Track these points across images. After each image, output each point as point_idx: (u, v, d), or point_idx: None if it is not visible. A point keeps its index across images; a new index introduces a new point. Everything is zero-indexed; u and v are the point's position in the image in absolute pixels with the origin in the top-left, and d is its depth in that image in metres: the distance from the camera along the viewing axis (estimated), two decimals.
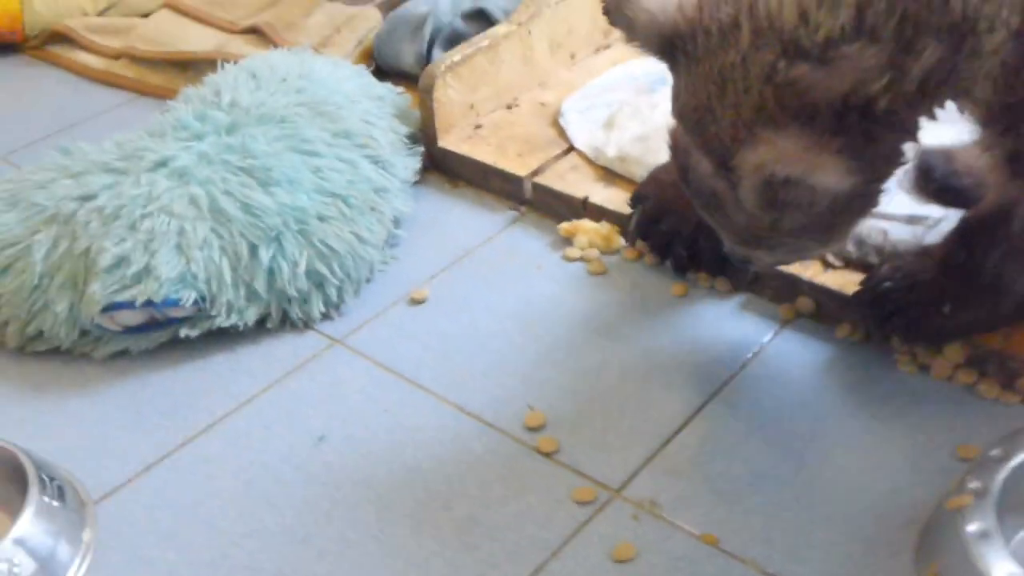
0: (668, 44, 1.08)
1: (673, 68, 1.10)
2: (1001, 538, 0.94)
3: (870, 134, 1.01)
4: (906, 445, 1.13)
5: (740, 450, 1.14)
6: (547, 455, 1.16)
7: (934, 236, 1.31)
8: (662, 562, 1.04)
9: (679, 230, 1.36)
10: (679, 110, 1.10)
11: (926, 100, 1.03)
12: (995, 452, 1.02)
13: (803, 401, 1.20)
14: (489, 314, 1.36)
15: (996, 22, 0.98)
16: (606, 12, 1.15)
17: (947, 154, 1.39)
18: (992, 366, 1.20)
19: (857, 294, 1.23)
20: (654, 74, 1.75)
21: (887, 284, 1.21)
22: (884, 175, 1.08)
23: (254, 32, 1.94)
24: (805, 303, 1.30)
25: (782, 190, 0.98)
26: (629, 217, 1.44)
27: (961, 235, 1.21)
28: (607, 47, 1.89)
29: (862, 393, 1.20)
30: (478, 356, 1.29)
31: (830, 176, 0.98)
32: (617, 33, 1.88)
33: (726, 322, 1.32)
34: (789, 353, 1.26)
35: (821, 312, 1.30)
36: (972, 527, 0.95)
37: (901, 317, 1.19)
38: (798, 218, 1.03)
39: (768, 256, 1.15)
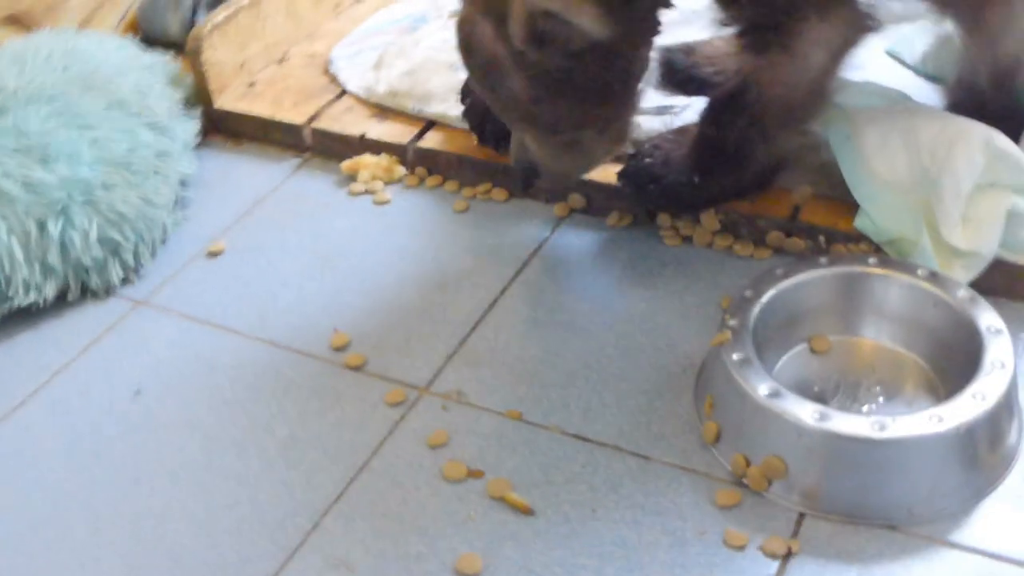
0: None
1: None
2: (759, 362, 1.07)
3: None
4: (678, 306, 1.26)
5: (532, 334, 1.25)
6: (356, 368, 1.23)
7: (680, 123, 1.43)
8: (473, 441, 1.13)
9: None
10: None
11: None
12: (747, 293, 1.15)
13: (584, 284, 1.31)
14: (285, 255, 1.42)
15: None
16: None
17: (687, 48, 1.52)
18: (744, 228, 1.34)
19: (622, 170, 1.35)
20: (415, 14, 1.83)
21: (647, 160, 1.33)
22: (642, 40, 1.19)
23: (14, 23, 1.91)
24: (576, 199, 1.41)
25: (542, 20, 1.07)
26: (406, 148, 1.52)
27: (709, 112, 1.34)
28: None
29: (635, 269, 1.32)
30: (280, 294, 1.35)
31: (585, 17, 1.08)
32: None
33: (507, 227, 1.41)
34: (567, 245, 1.37)
35: (592, 205, 1.41)
36: (734, 356, 1.07)
37: (657, 188, 1.31)
38: (559, 59, 1.12)
39: (551, 146, 1.23)
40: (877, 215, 1.26)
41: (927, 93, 1.45)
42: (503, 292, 1.31)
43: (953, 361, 1.11)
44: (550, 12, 1.06)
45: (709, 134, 1.32)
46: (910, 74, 1.51)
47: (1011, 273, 1.22)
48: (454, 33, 1.22)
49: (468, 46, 1.18)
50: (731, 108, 1.30)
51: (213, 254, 1.44)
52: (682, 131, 1.37)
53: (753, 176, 1.34)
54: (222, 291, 1.37)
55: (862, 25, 1.23)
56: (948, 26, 1.34)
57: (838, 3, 1.21)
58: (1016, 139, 1.25)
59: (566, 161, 1.27)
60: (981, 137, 1.22)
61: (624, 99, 1.24)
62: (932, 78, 1.48)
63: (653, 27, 1.20)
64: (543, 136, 1.23)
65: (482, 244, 1.39)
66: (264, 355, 1.27)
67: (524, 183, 1.35)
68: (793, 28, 1.19)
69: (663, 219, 1.36)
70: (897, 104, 1.36)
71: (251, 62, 1.72)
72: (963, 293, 1.13)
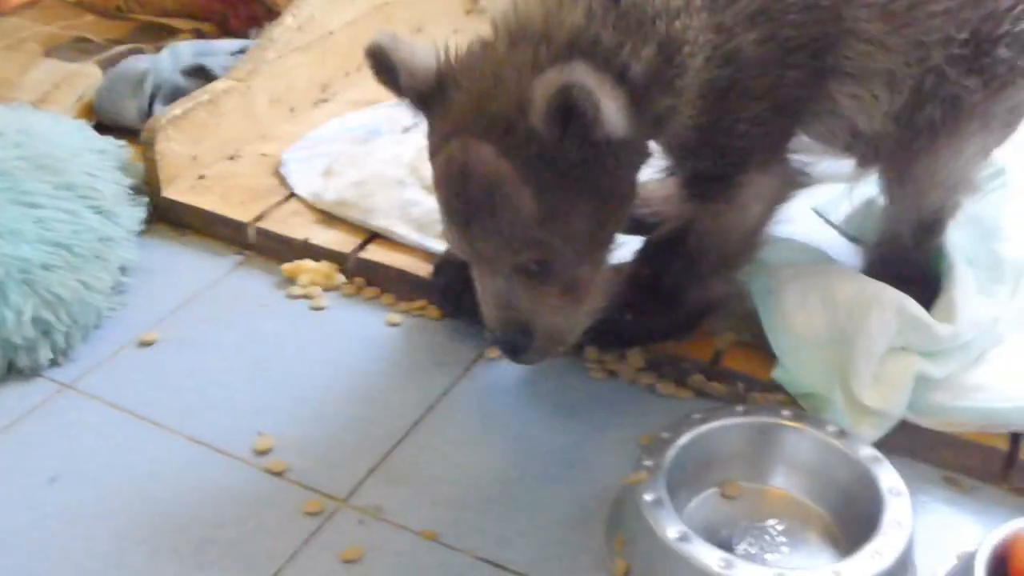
0: (428, 95, 1.17)
1: (431, 113, 1.19)
2: (671, 505, 1.10)
3: (633, 102, 1.12)
4: (598, 439, 1.29)
5: (454, 455, 1.27)
6: (277, 474, 1.24)
7: (615, 260, 1.48)
8: (387, 559, 1.14)
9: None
10: (442, 136, 1.15)
11: (655, 102, 1.16)
12: (665, 435, 1.19)
13: (509, 410, 1.34)
14: (218, 352, 1.43)
15: (696, 47, 1.15)
16: (371, 63, 1.20)
17: None
18: (668, 368, 1.39)
19: None
20: (370, 126, 1.88)
21: None
22: (638, 157, 1.22)
23: None
24: None
25: (575, 91, 1.03)
26: (347, 257, 1.55)
27: (645, 253, 1.40)
28: (325, 101, 2.00)
29: (560, 399, 1.36)
30: (208, 391, 1.36)
31: (612, 104, 1.07)
32: (335, 87, 2.02)
33: (438, 346, 1.44)
34: (495, 370, 1.41)
35: None
36: (647, 497, 1.11)
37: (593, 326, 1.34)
38: (576, 148, 1.08)
39: (549, 295, 1.18)
40: (794, 368, 1.31)
41: (849, 252, 1.53)
42: (429, 410, 1.33)
43: (856, 516, 1.15)
44: (585, 88, 1.04)
45: (643, 274, 1.37)
46: (834, 233, 1.59)
47: (915, 434, 1.27)
48: (437, 168, 1.17)
49: (463, 176, 1.12)
50: (669, 251, 1.35)
51: (145, 344, 1.45)
52: (616, 269, 1.42)
53: (683, 318, 1.39)
54: (150, 382, 1.38)
55: (795, 181, 1.32)
56: (875, 184, 1.42)
57: (777, 160, 1.29)
58: (928, 306, 1.32)
59: (561, 314, 1.21)
60: (895, 302, 1.28)
61: (619, 222, 1.23)
62: (854, 239, 1.56)
63: (645, 150, 1.24)
64: (541, 278, 1.18)
65: (412, 361, 1.42)
66: (186, 452, 1.27)
67: (511, 352, 1.23)
68: (737, 180, 1.27)
69: (590, 353, 1.40)
70: (818, 263, 1.42)
71: (203, 156, 1.75)
72: (868, 452, 1.18)
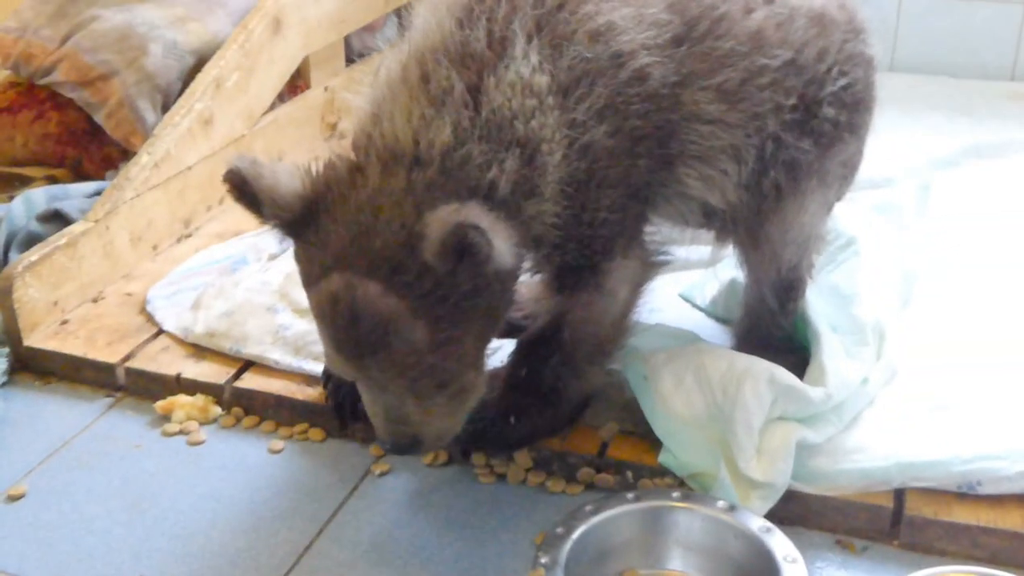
0: (297, 221, 1.15)
1: (300, 239, 1.16)
2: None
3: (513, 227, 1.13)
4: (493, 544, 1.28)
5: None
6: None
7: (494, 364, 1.49)
8: None
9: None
10: (320, 267, 1.13)
11: (525, 210, 1.18)
12: (559, 530, 1.18)
13: (400, 524, 1.31)
14: (92, 498, 1.37)
15: (553, 144, 1.18)
16: (231, 190, 1.16)
17: None
18: (556, 465, 1.38)
19: None
20: (235, 256, 1.87)
21: None
22: (516, 278, 1.24)
23: None
24: None
25: (471, 233, 1.04)
26: (223, 388, 1.52)
27: (520, 354, 1.40)
28: (188, 236, 1.98)
29: (451, 508, 1.34)
30: (84, 540, 1.30)
31: (504, 241, 1.08)
32: (197, 222, 2.01)
33: (324, 468, 1.42)
34: (384, 485, 1.38)
35: None
36: None
37: (475, 431, 1.32)
38: (471, 278, 1.10)
39: (438, 404, 1.19)
40: (678, 451, 1.32)
41: (718, 333, 1.57)
42: (319, 534, 1.30)
43: None
44: (479, 226, 1.05)
45: (521, 375, 1.38)
46: (701, 316, 1.63)
47: (804, 503, 1.29)
48: (318, 301, 1.14)
49: (352, 315, 1.11)
50: (544, 348, 1.36)
51: (13, 498, 1.38)
52: (493, 375, 1.41)
53: (565, 413, 1.40)
54: (20, 537, 1.31)
55: (656, 261, 1.36)
56: (733, 258, 1.46)
57: (637, 244, 1.32)
58: (799, 374, 1.35)
59: (448, 418, 1.23)
60: (766, 373, 1.32)
61: (499, 329, 1.25)
62: (721, 319, 1.60)
63: (522, 262, 1.25)
64: (432, 393, 1.18)
65: (298, 485, 1.38)
66: None
67: (400, 455, 1.31)
68: (604, 267, 1.29)
69: (478, 458, 1.39)
70: (689, 344, 1.45)
71: (64, 301, 1.71)
72: (760, 524, 1.19)
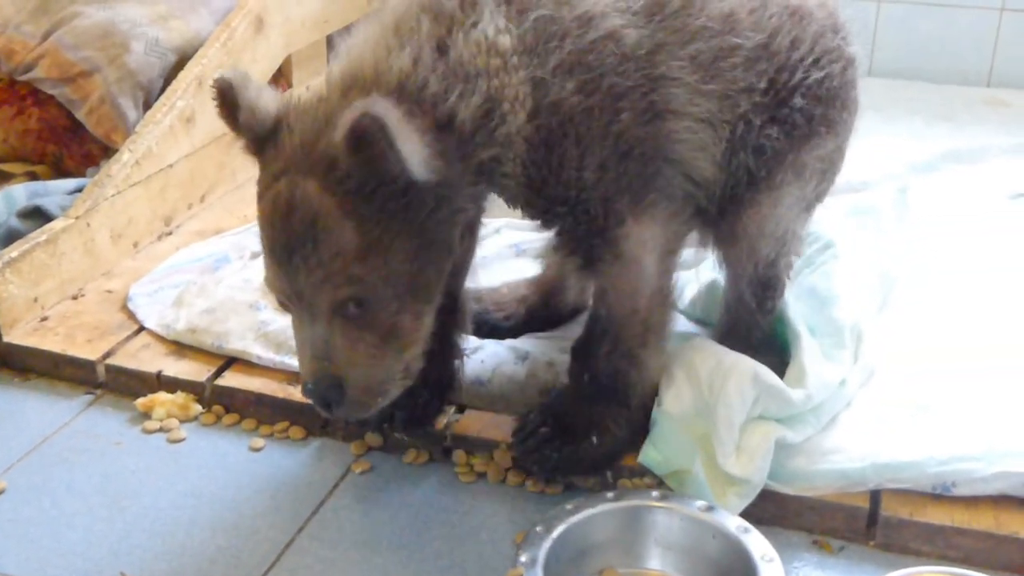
0: (263, 138, 1.19)
1: (262, 156, 1.20)
2: None
3: (449, 150, 1.17)
4: (473, 542, 1.28)
5: (329, 574, 1.24)
6: None
7: (474, 363, 1.50)
8: None
9: None
10: (271, 176, 1.17)
11: (479, 150, 1.20)
12: (539, 528, 1.19)
13: (381, 522, 1.32)
14: (71, 495, 1.37)
15: (515, 103, 1.20)
16: (217, 94, 1.21)
17: (477, 295, 1.60)
18: None
19: (520, 451, 1.35)
20: (217, 254, 1.87)
21: (542, 430, 1.34)
22: (461, 209, 1.23)
23: None
24: (373, 437, 1.44)
25: (367, 122, 1.07)
26: (203, 386, 1.52)
27: (575, 360, 1.38)
28: (169, 234, 1.98)
29: (432, 506, 1.34)
30: (63, 536, 1.30)
31: (411, 142, 1.10)
32: (179, 220, 2.01)
33: (304, 466, 1.42)
34: (365, 484, 1.39)
35: (387, 443, 1.44)
36: None
37: (561, 457, 1.32)
38: (376, 173, 1.11)
39: (365, 343, 1.17)
40: (662, 445, 1.33)
41: (698, 334, 1.58)
42: (299, 532, 1.30)
43: None
44: (377, 119, 1.07)
45: (584, 380, 1.36)
46: (682, 318, 1.64)
47: (781, 503, 1.30)
48: (263, 207, 1.18)
49: (288, 211, 1.14)
50: (593, 342, 1.35)
51: None
52: (557, 395, 1.40)
53: (638, 413, 1.36)
54: (0, 533, 1.31)
55: (671, 223, 1.32)
56: (713, 260, 1.47)
57: (649, 205, 1.29)
58: (781, 375, 1.37)
59: (376, 364, 1.20)
60: (751, 371, 1.32)
61: (440, 274, 1.23)
62: (700, 320, 1.61)
63: (466, 201, 1.24)
64: (358, 323, 1.17)
65: (278, 484, 1.39)
66: None
67: (324, 406, 1.22)
68: (617, 234, 1.27)
69: (459, 456, 1.40)
70: (680, 342, 1.45)
71: (44, 298, 1.71)
72: (738, 523, 1.20)
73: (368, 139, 1.09)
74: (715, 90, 1.28)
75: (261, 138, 1.20)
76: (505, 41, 1.20)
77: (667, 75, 1.26)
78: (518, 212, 1.33)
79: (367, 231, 1.14)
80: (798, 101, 1.33)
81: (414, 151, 1.11)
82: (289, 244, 1.15)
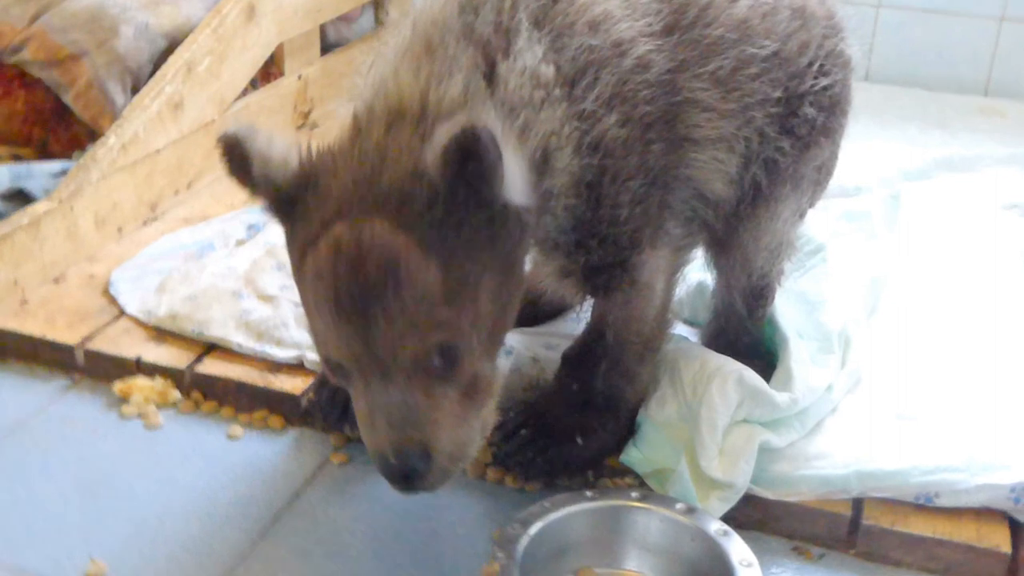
0: (289, 192, 1.07)
1: (294, 210, 1.08)
2: None
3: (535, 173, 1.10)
4: (450, 538, 1.27)
5: (302, 567, 1.22)
6: None
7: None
8: None
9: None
10: (319, 226, 1.04)
11: (540, 182, 1.13)
12: (516, 526, 1.17)
13: (358, 515, 1.30)
14: (45, 480, 1.35)
15: (562, 138, 1.14)
16: (225, 158, 1.09)
17: None
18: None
19: (498, 452, 1.33)
20: (203, 241, 1.85)
21: (522, 432, 1.32)
22: (529, 238, 1.14)
23: None
24: (352, 429, 1.42)
25: (481, 132, 0.97)
26: (183, 373, 1.51)
27: (566, 368, 1.36)
28: (155, 220, 1.96)
29: (408, 501, 1.31)
30: (35, 520, 1.28)
31: (514, 163, 1.02)
32: (164, 206, 1.99)
33: (282, 456, 1.40)
34: (343, 475, 1.37)
35: None
36: None
37: (544, 460, 1.30)
38: (477, 198, 1.02)
39: (450, 398, 1.06)
40: (644, 447, 1.32)
41: (683, 335, 1.56)
42: (275, 522, 1.29)
43: None
44: (490, 132, 0.98)
45: (573, 390, 1.34)
46: None
47: (763, 508, 1.29)
48: (314, 262, 1.04)
49: (355, 259, 1.01)
50: (590, 358, 1.33)
51: None
52: (541, 395, 1.38)
53: (626, 420, 1.35)
54: None
55: (682, 249, 1.33)
56: (703, 268, 1.46)
57: (664, 232, 1.27)
58: (768, 379, 1.35)
59: (462, 424, 1.08)
60: (735, 374, 1.31)
61: (514, 314, 1.14)
62: (686, 321, 1.60)
63: (529, 236, 1.15)
64: (444, 378, 1.06)
65: (255, 473, 1.37)
66: None
67: (405, 479, 1.07)
68: (635, 261, 1.25)
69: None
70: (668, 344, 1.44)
71: (25, 280, 1.69)
72: (717, 527, 1.19)
73: (476, 153, 0.98)
74: (733, 108, 1.26)
75: (284, 191, 1.08)
76: (548, 72, 1.13)
77: (689, 99, 1.23)
78: None
79: (453, 269, 1.02)
80: (807, 111, 1.31)
81: (516, 170, 1.03)
82: (362, 295, 1.01)
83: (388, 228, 1.01)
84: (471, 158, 0.99)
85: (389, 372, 1.04)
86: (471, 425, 1.09)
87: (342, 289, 1.02)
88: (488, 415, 1.13)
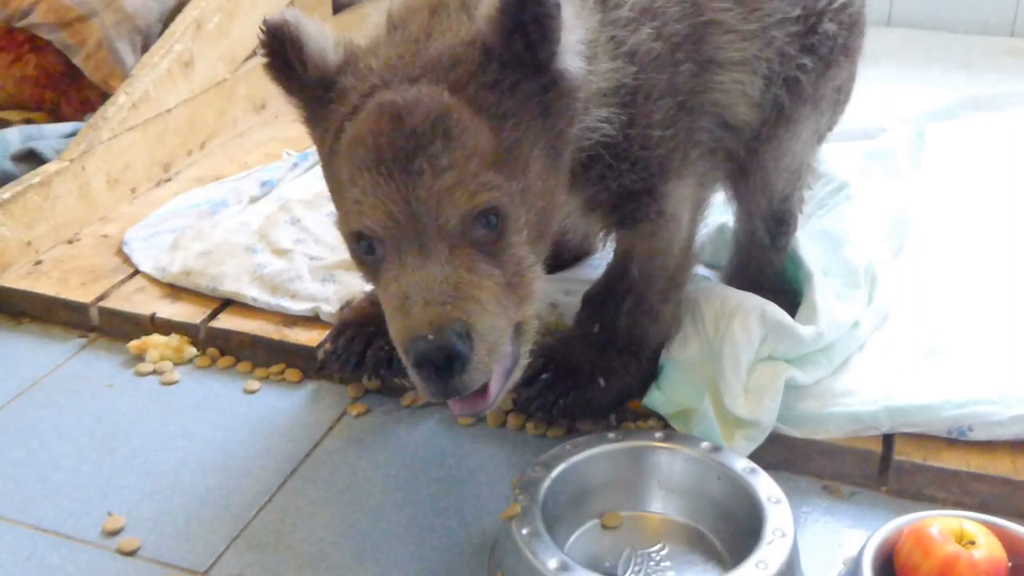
0: (334, 71, 1.05)
1: (331, 92, 1.04)
2: (548, 536, 1.05)
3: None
4: (470, 485, 1.24)
5: (321, 516, 1.20)
6: (129, 554, 1.15)
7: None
8: None
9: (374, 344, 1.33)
10: (359, 98, 1.02)
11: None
12: (538, 468, 1.14)
13: (376, 464, 1.28)
14: (61, 436, 1.34)
15: (597, 46, 1.11)
16: (270, 39, 1.06)
17: None
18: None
19: (522, 397, 1.29)
20: (216, 199, 1.83)
21: (542, 377, 1.28)
22: (574, 149, 1.12)
23: None
24: (370, 381, 1.40)
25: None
26: (198, 328, 1.49)
27: (588, 310, 1.33)
28: (168, 180, 1.94)
29: (429, 449, 1.30)
30: (52, 477, 1.27)
31: (573, 30, 1.01)
32: (177, 166, 1.96)
33: (299, 408, 1.38)
34: (360, 424, 1.35)
35: (385, 385, 1.40)
36: (524, 530, 1.06)
37: (566, 403, 1.27)
38: (532, 52, 1.00)
39: (487, 280, 1.00)
40: (671, 390, 1.28)
41: (708, 278, 1.53)
42: (292, 474, 1.27)
43: (738, 530, 1.13)
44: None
45: (594, 332, 1.31)
46: None
47: (790, 446, 1.26)
48: (357, 128, 1.00)
49: (404, 112, 0.97)
50: (613, 296, 1.30)
51: None
52: (564, 339, 1.34)
53: (649, 362, 1.32)
54: None
55: (705, 184, 1.30)
56: (722, 203, 1.43)
57: (691, 162, 1.25)
58: (791, 315, 1.31)
59: (501, 314, 1.00)
60: (757, 309, 1.28)
61: (557, 216, 1.13)
62: (708, 264, 1.56)
63: (576, 127, 1.12)
64: (489, 256, 1.00)
65: (272, 426, 1.35)
66: (28, 541, 1.18)
67: (445, 367, 0.96)
68: (662, 190, 1.22)
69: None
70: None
71: (39, 241, 1.67)
72: (744, 464, 1.15)
73: (535, 7, 0.96)
74: (755, 29, 1.23)
75: (331, 73, 1.05)
76: None
77: (713, 20, 1.20)
78: None
79: (505, 132, 0.99)
80: (828, 27, 1.28)
81: (575, 42, 1.01)
82: (408, 147, 0.96)
83: (436, 90, 0.98)
84: (530, 12, 0.97)
85: (429, 244, 0.98)
86: (508, 319, 1.02)
87: (384, 145, 0.97)
88: (526, 321, 1.06)
